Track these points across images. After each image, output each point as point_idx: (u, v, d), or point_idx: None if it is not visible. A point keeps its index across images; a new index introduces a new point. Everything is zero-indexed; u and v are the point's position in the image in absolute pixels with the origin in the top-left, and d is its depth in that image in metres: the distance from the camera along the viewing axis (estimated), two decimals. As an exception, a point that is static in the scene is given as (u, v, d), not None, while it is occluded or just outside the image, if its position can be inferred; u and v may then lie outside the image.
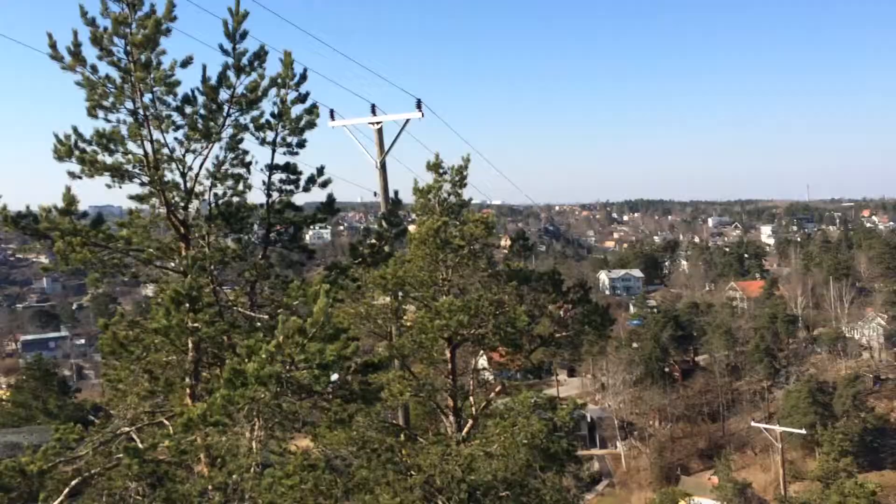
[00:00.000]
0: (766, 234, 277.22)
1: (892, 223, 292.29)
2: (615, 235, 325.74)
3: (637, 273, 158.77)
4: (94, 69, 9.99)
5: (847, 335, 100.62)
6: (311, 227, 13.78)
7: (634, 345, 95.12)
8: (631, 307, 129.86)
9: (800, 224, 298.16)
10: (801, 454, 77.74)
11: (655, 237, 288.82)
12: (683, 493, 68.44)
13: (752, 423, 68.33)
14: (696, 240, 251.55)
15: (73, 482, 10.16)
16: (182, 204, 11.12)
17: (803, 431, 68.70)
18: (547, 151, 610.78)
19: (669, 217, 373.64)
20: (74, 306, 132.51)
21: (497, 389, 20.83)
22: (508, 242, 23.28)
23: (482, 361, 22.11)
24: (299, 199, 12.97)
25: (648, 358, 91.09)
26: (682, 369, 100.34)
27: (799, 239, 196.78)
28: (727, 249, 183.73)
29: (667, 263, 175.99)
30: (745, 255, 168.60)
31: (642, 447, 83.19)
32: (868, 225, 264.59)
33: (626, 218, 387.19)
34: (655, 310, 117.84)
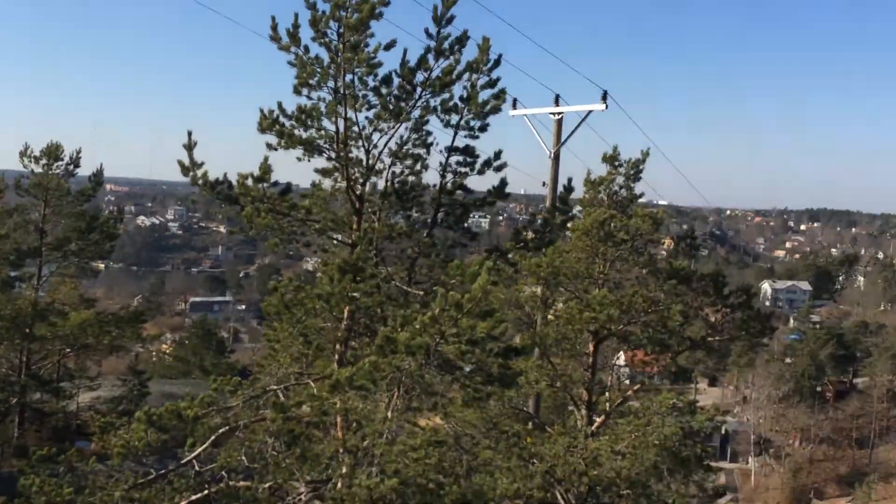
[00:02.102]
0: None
1: None
2: (787, 245, 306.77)
3: (804, 286, 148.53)
4: (307, 49, 10.77)
5: None
6: (480, 209, 14.15)
7: (788, 360, 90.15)
8: (791, 321, 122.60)
9: None
10: (957, 491, 71.49)
11: (833, 250, 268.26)
12: (814, 517, 65.11)
13: (905, 454, 63.74)
14: (880, 255, 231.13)
15: (220, 431, 11.05)
16: (361, 180, 11.75)
17: (968, 467, 63.11)
18: (723, 153, 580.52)
19: (853, 230, 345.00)
20: (242, 274, 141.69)
21: (636, 388, 20.62)
22: (671, 243, 22.70)
23: (622, 359, 21.92)
24: (472, 183, 13.33)
25: (801, 375, 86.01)
26: (837, 390, 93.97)
27: None
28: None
29: (841, 278, 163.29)
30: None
31: (776, 465, 79.20)
32: None
33: (803, 227, 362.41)
34: (818, 325, 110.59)
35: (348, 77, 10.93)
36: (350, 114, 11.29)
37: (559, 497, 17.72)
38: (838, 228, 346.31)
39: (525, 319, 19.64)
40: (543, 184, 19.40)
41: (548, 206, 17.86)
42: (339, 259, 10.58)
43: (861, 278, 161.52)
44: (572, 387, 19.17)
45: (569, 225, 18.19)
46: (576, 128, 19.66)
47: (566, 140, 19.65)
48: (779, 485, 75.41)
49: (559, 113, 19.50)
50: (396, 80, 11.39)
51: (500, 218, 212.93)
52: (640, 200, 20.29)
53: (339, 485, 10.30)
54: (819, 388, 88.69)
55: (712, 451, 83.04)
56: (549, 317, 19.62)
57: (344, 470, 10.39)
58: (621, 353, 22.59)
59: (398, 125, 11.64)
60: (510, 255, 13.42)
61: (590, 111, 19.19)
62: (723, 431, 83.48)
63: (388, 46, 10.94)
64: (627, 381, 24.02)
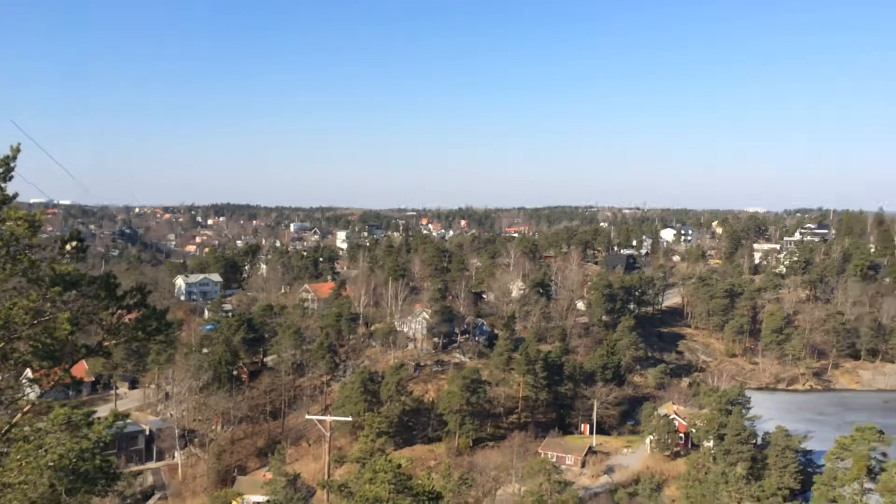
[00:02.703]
0: (341, 238, 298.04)
1: (442, 230, 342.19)
2: (198, 239, 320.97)
3: (216, 277, 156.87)
4: None
5: (398, 329, 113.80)
6: None
7: (205, 350, 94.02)
8: (206, 312, 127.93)
9: (370, 230, 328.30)
10: (350, 440, 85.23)
11: (239, 241, 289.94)
12: (236, 494, 69.50)
13: (307, 416, 73.16)
14: (278, 244, 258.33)
15: None
16: None
17: (350, 419, 75.78)
18: (127, 149, 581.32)
19: (254, 222, 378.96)
20: None
21: (25, 409, 18.64)
22: (70, 247, 21.12)
23: (29, 374, 19.48)
24: None
25: (218, 362, 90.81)
26: (251, 371, 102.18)
27: (368, 243, 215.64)
28: (304, 253, 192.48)
29: (247, 267, 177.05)
30: (321, 259, 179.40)
31: (201, 453, 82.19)
32: (424, 232, 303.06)
33: (210, 222, 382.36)
34: (230, 313, 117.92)
35: None
36: None
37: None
38: (241, 221, 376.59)
39: None
40: None
41: None
42: None
43: (263, 266, 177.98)
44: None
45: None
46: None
47: None
48: (205, 471, 78.24)
49: None
50: None
51: None
52: (38, 202, 18.33)
53: None
54: (235, 372, 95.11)
55: (136, 457, 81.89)
56: None
57: None
58: (27, 371, 20.10)
59: None
60: None
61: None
62: (147, 432, 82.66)
63: None
64: (34, 400, 21.61)
